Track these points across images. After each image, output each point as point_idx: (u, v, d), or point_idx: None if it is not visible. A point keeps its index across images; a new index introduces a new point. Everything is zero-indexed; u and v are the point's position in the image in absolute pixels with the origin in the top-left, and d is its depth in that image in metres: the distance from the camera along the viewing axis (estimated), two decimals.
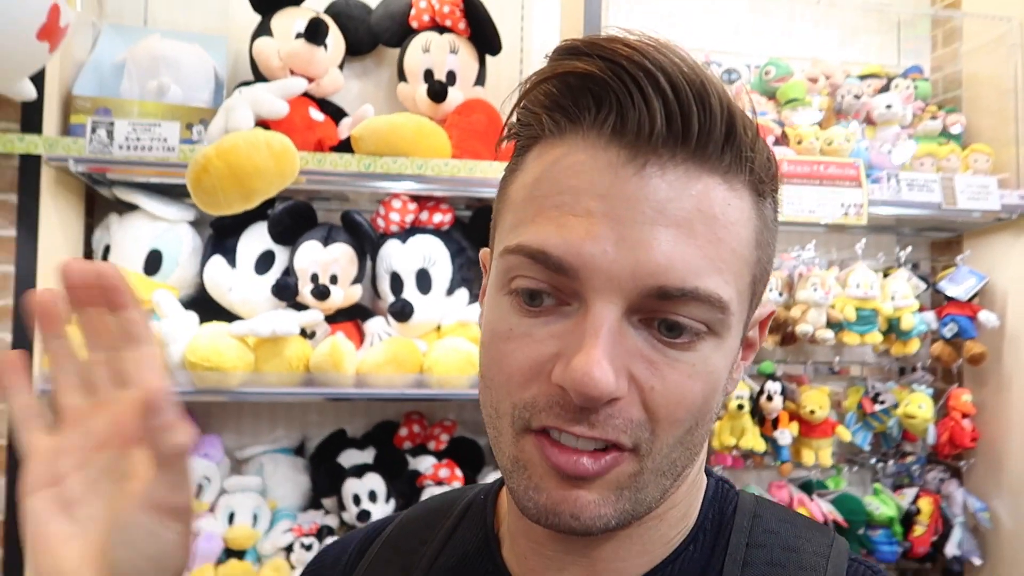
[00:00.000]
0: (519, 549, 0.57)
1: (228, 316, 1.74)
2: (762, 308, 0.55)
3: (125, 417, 0.46)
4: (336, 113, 1.88)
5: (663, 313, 0.45)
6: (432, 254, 1.83)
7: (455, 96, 1.84)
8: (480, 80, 1.91)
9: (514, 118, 0.52)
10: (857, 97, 2.00)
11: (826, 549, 0.54)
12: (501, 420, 0.49)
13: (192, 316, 1.70)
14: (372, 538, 0.68)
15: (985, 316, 1.94)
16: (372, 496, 1.78)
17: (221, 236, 1.79)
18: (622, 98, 0.45)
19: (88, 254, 1.79)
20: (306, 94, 1.80)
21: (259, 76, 1.81)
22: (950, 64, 2.21)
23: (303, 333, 1.74)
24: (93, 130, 1.53)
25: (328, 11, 1.89)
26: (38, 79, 1.51)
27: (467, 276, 1.87)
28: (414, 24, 1.88)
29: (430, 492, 1.85)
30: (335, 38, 1.85)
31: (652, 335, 0.46)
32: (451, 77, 1.86)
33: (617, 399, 0.45)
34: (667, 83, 0.44)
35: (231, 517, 1.75)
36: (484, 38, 1.88)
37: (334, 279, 1.77)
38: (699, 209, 0.45)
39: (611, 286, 0.44)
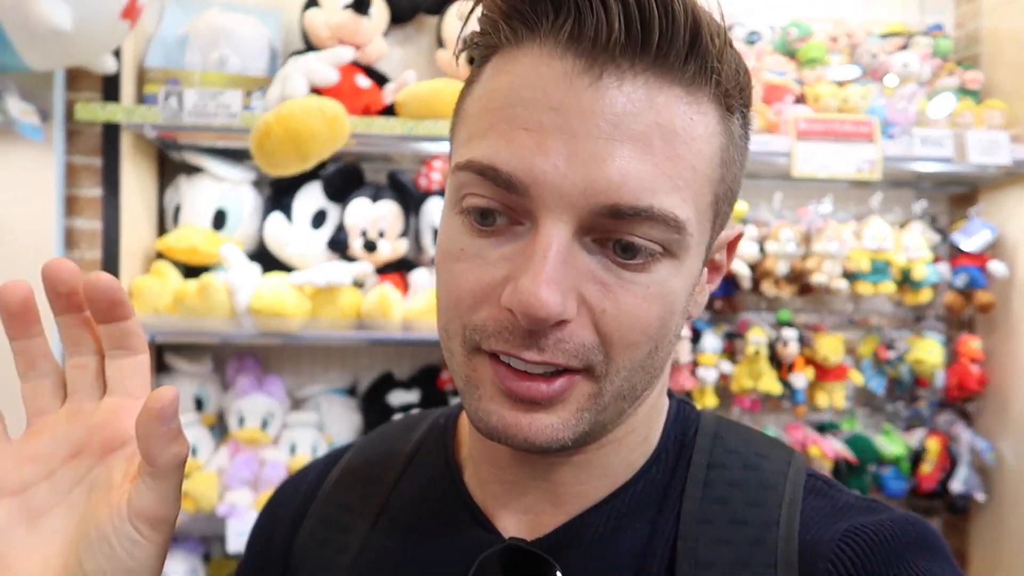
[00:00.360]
0: (481, 475, 0.56)
1: (286, 268, 1.92)
2: (729, 230, 0.53)
3: (106, 425, 0.44)
4: (381, 79, 2.02)
5: (617, 233, 0.43)
6: None
7: None
8: None
9: (475, 27, 0.49)
10: (875, 56, 2.08)
11: (785, 467, 0.54)
12: (452, 341, 0.48)
13: (255, 268, 1.88)
14: (332, 465, 0.66)
15: (995, 266, 2.03)
16: None
17: (279, 195, 1.96)
18: (580, 3, 0.43)
19: (161, 212, 1.98)
20: (353, 62, 1.94)
21: (310, 46, 1.96)
22: (972, 20, 2.27)
23: (355, 283, 1.92)
24: (165, 99, 1.70)
25: None
26: (116, 53, 1.68)
27: None
28: None
29: None
30: (379, 7, 1.99)
31: (606, 256, 0.44)
32: None
33: (566, 322, 0.44)
34: None
35: (292, 448, 1.95)
36: None
37: (382, 234, 1.93)
38: (658, 123, 0.43)
39: (562, 204, 0.43)
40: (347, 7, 1.92)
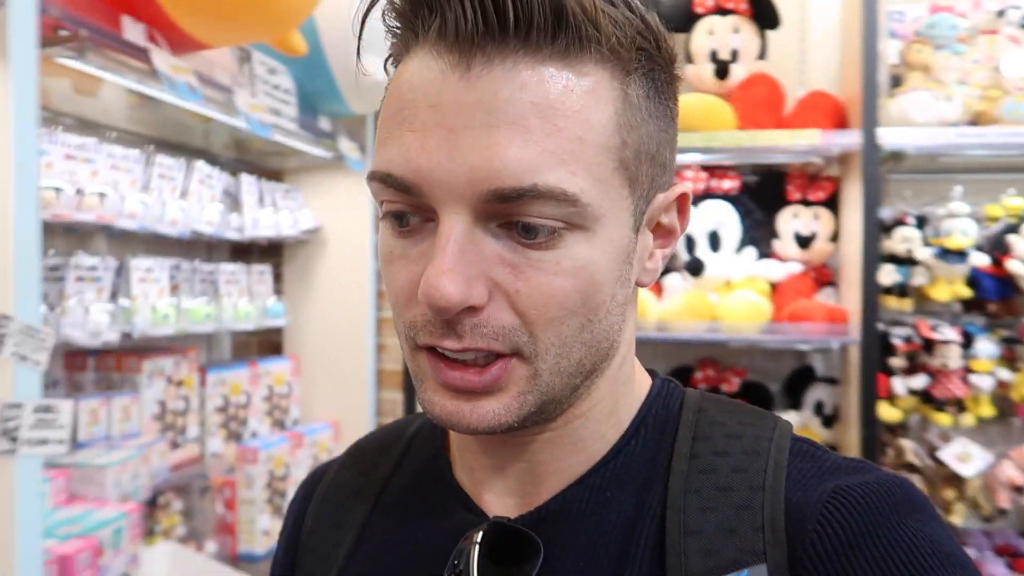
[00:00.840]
0: (466, 462, 0.57)
1: None
2: (669, 192, 0.52)
3: None
4: None
5: (515, 216, 0.44)
6: (721, 217, 2.06)
7: (738, 72, 2.04)
8: (762, 54, 2.09)
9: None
10: None
11: (769, 432, 0.54)
12: (400, 339, 0.50)
13: None
14: (323, 472, 0.68)
15: None
16: None
17: None
18: (439, 1, 0.44)
19: None
20: None
21: None
22: None
23: None
24: None
25: None
26: None
27: (755, 236, 2.07)
28: (699, 10, 2.10)
29: None
30: None
31: (512, 238, 0.45)
32: (734, 55, 2.06)
33: (477, 308, 0.45)
34: None
35: None
36: (764, 15, 2.05)
37: None
38: (532, 103, 0.43)
39: (452, 197, 0.44)
40: None
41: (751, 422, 0.55)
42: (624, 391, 0.55)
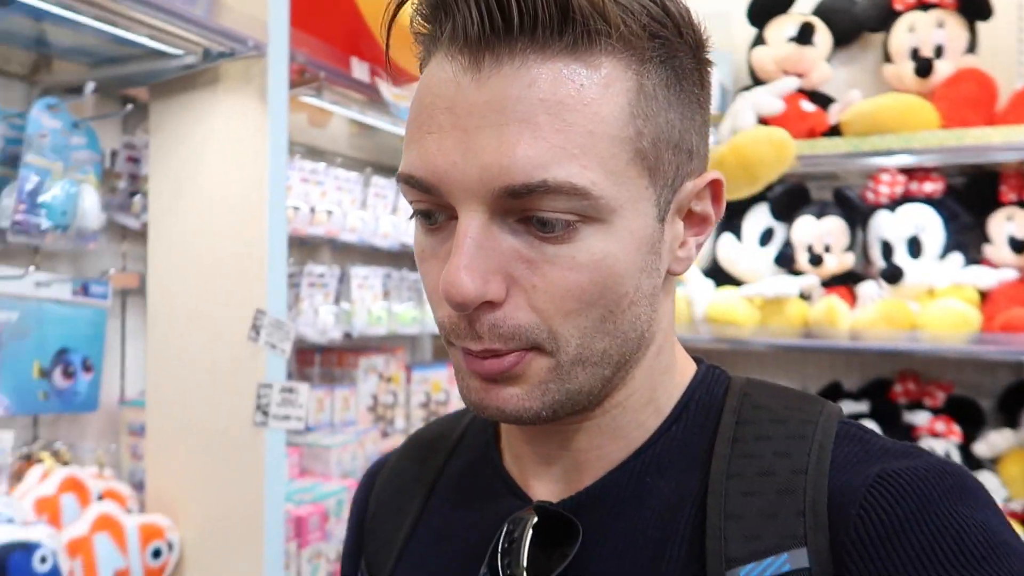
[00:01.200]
0: (515, 450, 0.59)
1: (736, 283, 2.13)
2: (699, 179, 0.52)
3: None
4: (825, 101, 2.12)
5: (529, 211, 0.45)
6: (923, 221, 1.96)
7: (943, 68, 1.93)
8: (971, 48, 1.96)
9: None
10: None
11: (815, 416, 0.52)
12: (440, 334, 0.51)
13: (709, 282, 2.14)
14: (387, 460, 0.71)
15: None
16: None
17: (729, 217, 2.19)
18: (450, 4, 0.45)
19: None
20: (798, 89, 2.08)
21: (756, 81, 2.16)
22: None
23: (801, 295, 2.04)
24: None
25: (815, 11, 2.15)
26: None
27: (962, 241, 1.94)
28: (898, 7, 2.02)
29: (925, 444, 1.98)
30: (822, 35, 2.10)
31: (529, 233, 0.46)
32: (938, 51, 1.95)
33: (496, 304, 0.46)
34: None
35: None
36: (973, 6, 1.92)
37: (827, 248, 2.03)
38: (541, 100, 0.44)
39: (468, 195, 0.45)
40: (791, 40, 2.08)
41: (797, 406, 0.54)
42: (663, 379, 0.55)
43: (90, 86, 1.19)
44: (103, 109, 1.38)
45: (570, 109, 0.44)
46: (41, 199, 1.17)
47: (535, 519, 0.52)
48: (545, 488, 0.57)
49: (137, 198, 1.41)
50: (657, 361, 0.55)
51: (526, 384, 0.48)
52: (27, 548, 1.06)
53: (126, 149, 1.42)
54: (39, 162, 1.16)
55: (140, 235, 1.44)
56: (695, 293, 2.08)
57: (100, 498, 1.24)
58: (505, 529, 0.53)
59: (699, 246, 0.54)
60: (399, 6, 0.50)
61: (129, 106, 1.33)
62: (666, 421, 0.55)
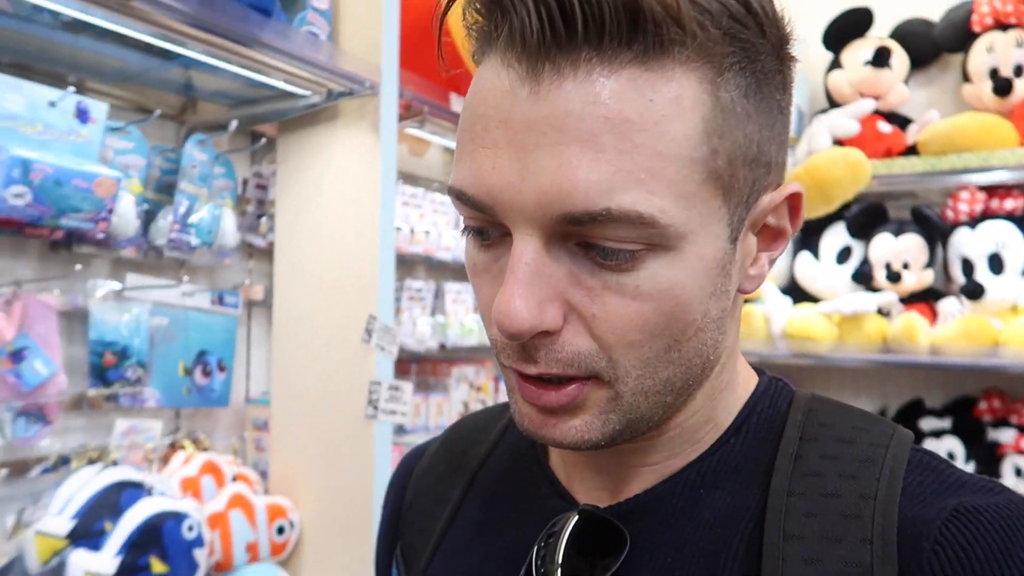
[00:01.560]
0: (560, 454, 0.58)
1: (814, 300, 2.18)
2: (777, 192, 0.47)
3: None
4: (903, 122, 2.17)
5: (590, 237, 0.42)
6: (1004, 238, 1.97)
7: (1022, 87, 1.96)
8: None
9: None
10: None
11: (886, 439, 0.49)
12: (492, 350, 0.49)
13: (787, 300, 2.20)
14: (426, 448, 0.69)
15: None
16: (950, 456, 2.01)
17: (807, 236, 2.25)
18: (505, 5, 0.41)
19: None
20: (875, 110, 2.14)
21: (833, 104, 2.22)
22: None
23: (880, 312, 2.08)
24: None
25: (892, 35, 2.20)
26: None
27: None
28: (976, 28, 2.05)
29: (1011, 461, 1.98)
30: (899, 57, 2.15)
31: (590, 259, 0.43)
32: (1018, 70, 1.98)
33: (551, 332, 0.43)
34: None
35: None
36: None
37: (906, 265, 2.06)
38: (606, 117, 0.40)
39: (524, 218, 0.42)
40: (867, 63, 2.14)
41: (866, 427, 0.50)
42: (723, 395, 0.53)
43: (233, 124, 1.39)
44: (237, 143, 1.59)
45: (638, 128, 0.40)
46: (191, 220, 1.37)
47: (575, 519, 0.51)
48: (591, 493, 0.55)
49: (263, 220, 1.60)
50: (719, 380, 0.52)
51: (586, 415, 0.46)
52: (178, 518, 1.24)
53: (255, 178, 1.62)
54: (190, 189, 1.37)
55: (265, 253, 1.64)
56: (773, 310, 2.15)
57: (234, 480, 1.42)
58: (546, 530, 0.52)
59: (772, 261, 0.50)
60: (450, 2, 0.46)
61: (263, 140, 1.53)
62: (725, 434, 0.53)
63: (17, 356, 1.18)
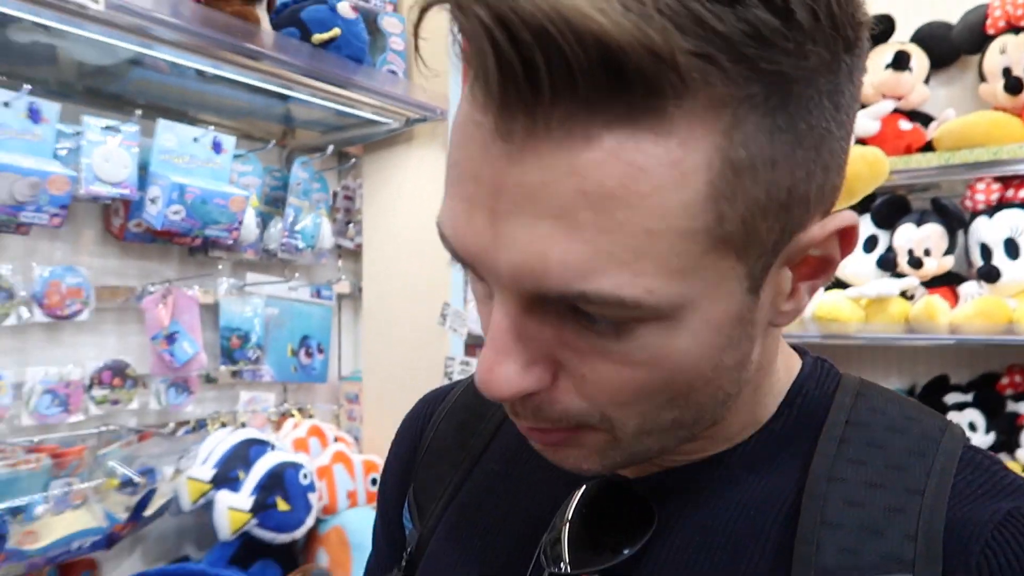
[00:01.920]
0: None
1: (844, 286, 2.38)
2: (824, 225, 0.40)
3: None
4: (925, 119, 2.35)
5: (573, 304, 0.37)
6: (1019, 224, 2.14)
7: None
8: None
9: None
10: None
11: (937, 433, 0.47)
12: None
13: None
14: (447, 392, 0.67)
15: None
16: (972, 427, 2.18)
17: None
18: (473, 46, 0.33)
19: None
20: (896, 110, 2.32)
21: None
22: None
23: (904, 295, 2.27)
24: None
25: (913, 39, 2.38)
26: None
27: None
28: (990, 31, 2.22)
29: None
30: (918, 59, 2.33)
31: (577, 321, 0.38)
32: None
33: (537, 393, 0.40)
34: (494, 21, 0.30)
35: None
36: None
37: (927, 252, 2.24)
38: (583, 192, 0.33)
39: (500, 285, 0.38)
40: (888, 67, 2.33)
41: (917, 417, 0.48)
42: (760, 395, 0.49)
43: (330, 149, 1.69)
44: (329, 163, 1.89)
45: (623, 204, 0.33)
46: (296, 228, 1.67)
47: (584, 489, 0.49)
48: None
49: (351, 226, 1.91)
50: (755, 388, 0.48)
51: (585, 450, 0.44)
52: (295, 467, 1.54)
53: (343, 190, 1.93)
54: (295, 202, 1.67)
55: (353, 253, 1.94)
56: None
57: (335, 441, 1.72)
58: (578, 499, 0.50)
59: (814, 290, 0.43)
60: (424, 10, 0.36)
61: (352, 160, 1.83)
62: (769, 419, 0.50)
63: (171, 339, 1.50)
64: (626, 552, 0.46)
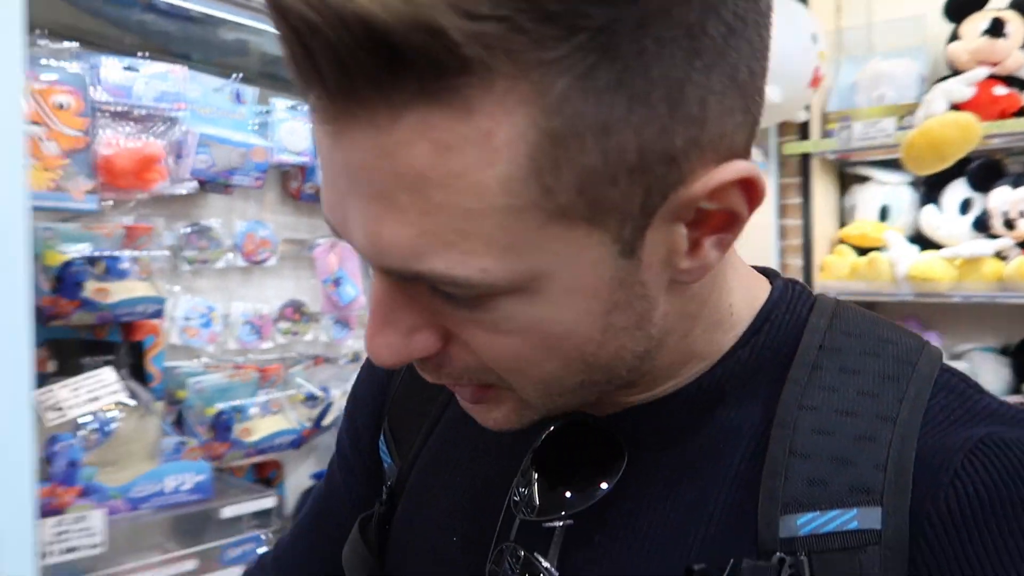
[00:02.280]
0: None
1: (938, 248, 2.48)
2: (709, 177, 0.36)
3: None
4: (1022, 84, 2.41)
5: None
6: None
7: None
8: None
9: None
10: None
11: (914, 356, 0.45)
12: None
13: (913, 247, 2.51)
14: None
15: None
16: None
17: (931, 190, 2.54)
18: (274, 17, 0.32)
19: (842, 211, 2.78)
20: (992, 75, 2.40)
21: (953, 71, 2.50)
22: None
23: (998, 256, 2.36)
24: (840, 132, 2.50)
25: (1011, 6, 2.44)
26: (807, 107, 2.56)
27: None
28: None
29: None
30: (1014, 25, 2.39)
31: (438, 291, 0.37)
32: None
33: (430, 357, 0.40)
34: (276, 11, 0.31)
35: None
36: None
37: (1022, 214, 2.33)
38: (396, 174, 0.32)
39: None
40: (984, 33, 2.40)
41: (894, 339, 0.46)
42: (712, 330, 0.46)
43: None
44: None
45: (436, 184, 0.32)
46: None
47: (552, 430, 0.48)
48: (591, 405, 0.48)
49: None
50: (683, 335, 0.45)
51: (503, 407, 0.43)
52: None
53: None
54: None
55: None
56: (897, 255, 2.47)
57: None
58: (543, 437, 0.49)
59: (726, 245, 0.40)
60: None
61: None
62: (731, 349, 0.47)
63: (337, 282, 1.78)
64: (604, 487, 0.45)
